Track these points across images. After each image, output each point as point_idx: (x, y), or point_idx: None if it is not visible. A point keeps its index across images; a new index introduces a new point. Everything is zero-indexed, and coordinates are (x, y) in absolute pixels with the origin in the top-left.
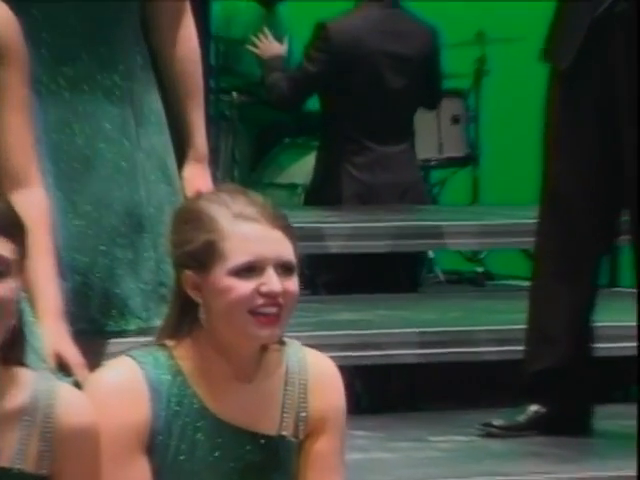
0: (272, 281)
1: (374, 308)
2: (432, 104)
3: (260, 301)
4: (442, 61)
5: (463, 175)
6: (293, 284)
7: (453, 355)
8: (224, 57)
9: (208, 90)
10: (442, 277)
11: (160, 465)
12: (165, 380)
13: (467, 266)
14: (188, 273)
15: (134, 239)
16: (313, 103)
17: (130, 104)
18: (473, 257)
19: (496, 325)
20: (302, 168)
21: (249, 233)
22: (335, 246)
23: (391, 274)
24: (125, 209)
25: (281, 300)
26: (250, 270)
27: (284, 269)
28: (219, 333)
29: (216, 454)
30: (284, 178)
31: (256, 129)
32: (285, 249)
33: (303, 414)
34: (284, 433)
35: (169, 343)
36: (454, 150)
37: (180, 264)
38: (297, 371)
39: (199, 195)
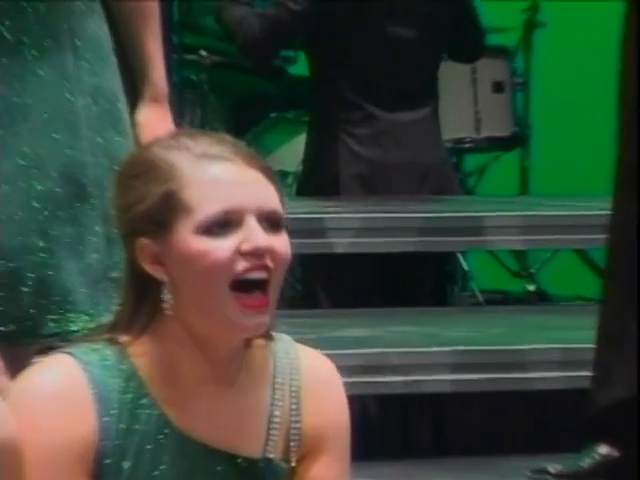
0: (255, 234)
1: (390, 323)
2: (468, 56)
3: (242, 265)
4: (479, 9)
5: (508, 160)
6: (283, 242)
7: (495, 382)
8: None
9: (169, 47)
10: (481, 297)
11: None
12: (116, 385)
13: (514, 284)
14: (144, 241)
15: (76, 209)
16: (305, 67)
17: (68, 30)
18: (522, 272)
19: (552, 343)
20: (293, 150)
21: (218, 175)
22: (339, 244)
23: (412, 281)
24: (64, 170)
25: (269, 262)
26: (225, 224)
27: (269, 222)
28: (190, 321)
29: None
30: (270, 164)
31: (232, 100)
32: (268, 194)
33: (295, 431)
34: (271, 455)
35: (122, 338)
36: (496, 128)
37: (131, 231)
38: (288, 375)
39: (151, 142)
